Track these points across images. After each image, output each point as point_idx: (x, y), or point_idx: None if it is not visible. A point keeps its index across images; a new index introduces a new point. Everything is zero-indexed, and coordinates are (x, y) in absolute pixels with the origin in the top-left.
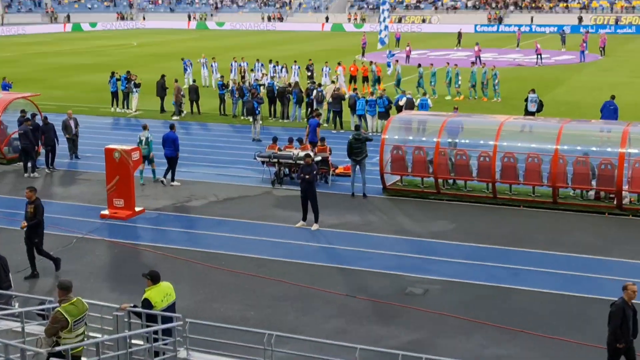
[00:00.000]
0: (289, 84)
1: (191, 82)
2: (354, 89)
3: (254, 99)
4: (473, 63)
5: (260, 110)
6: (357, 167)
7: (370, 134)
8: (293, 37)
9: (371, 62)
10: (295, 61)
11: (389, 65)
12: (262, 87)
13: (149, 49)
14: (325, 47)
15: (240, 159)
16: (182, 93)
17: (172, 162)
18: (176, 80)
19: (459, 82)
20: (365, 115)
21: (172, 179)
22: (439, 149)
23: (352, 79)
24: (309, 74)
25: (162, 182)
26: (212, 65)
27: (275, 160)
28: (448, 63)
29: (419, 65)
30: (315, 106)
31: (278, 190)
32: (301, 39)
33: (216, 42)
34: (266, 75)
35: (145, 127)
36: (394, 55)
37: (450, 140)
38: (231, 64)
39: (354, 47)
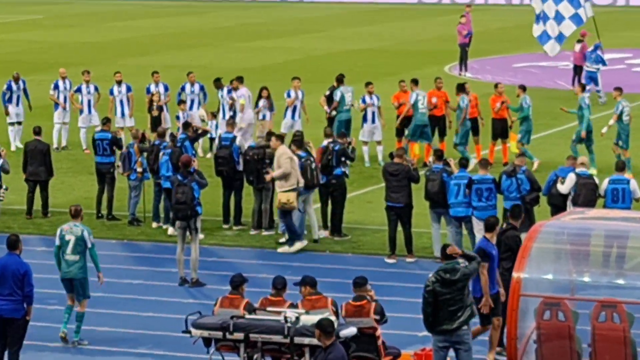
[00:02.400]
0: (274, 137)
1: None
2: (438, 157)
3: (185, 174)
4: None
5: (202, 208)
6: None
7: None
8: (278, 18)
9: (461, 89)
10: (298, 80)
11: (592, 80)
12: (202, 150)
13: None
14: (365, 44)
15: None
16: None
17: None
18: None
19: None
20: (471, 221)
21: None
22: None
23: (437, 123)
24: (329, 111)
25: None
26: (79, 89)
27: (242, 335)
28: None
29: (620, 93)
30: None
31: None
32: (312, 22)
33: (73, 32)
34: (211, 118)
35: None
36: (598, 56)
37: None
38: (114, 91)
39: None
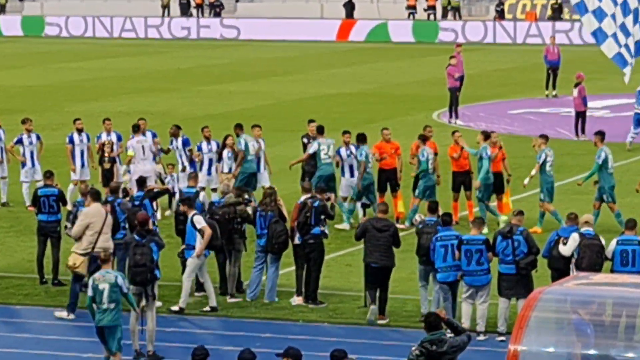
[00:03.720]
0: (242, 195)
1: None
2: (432, 210)
3: (143, 233)
4: None
5: (160, 272)
6: None
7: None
8: (246, 58)
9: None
10: (258, 128)
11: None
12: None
13: None
14: (343, 88)
15: None
16: None
17: None
18: None
19: None
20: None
21: None
22: None
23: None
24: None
25: None
26: (19, 139)
27: None
28: None
29: (600, 138)
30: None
31: None
32: (283, 63)
33: (15, 74)
34: (171, 171)
35: None
36: None
37: None
38: (74, 139)
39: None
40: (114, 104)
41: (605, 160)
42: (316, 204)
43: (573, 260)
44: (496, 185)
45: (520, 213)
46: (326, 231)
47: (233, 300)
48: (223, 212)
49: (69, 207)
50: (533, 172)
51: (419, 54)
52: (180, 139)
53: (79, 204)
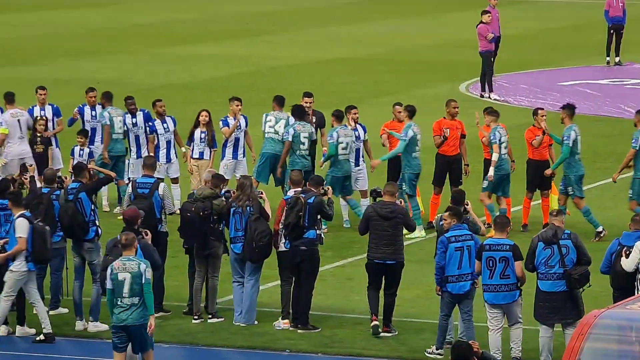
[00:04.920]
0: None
1: None
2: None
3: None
4: None
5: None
6: None
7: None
8: (217, 12)
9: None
10: (238, 101)
11: None
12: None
13: None
14: (344, 52)
15: None
16: None
17: None
18: None
19: None
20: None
21: None
22: None
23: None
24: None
25: None
26: None
27: None
28: None
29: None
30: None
31: None
32: (267, 19)
33: None
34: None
35: None
36: None
37: None
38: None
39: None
40: (49, 69)
41: (575, 142)
42: (311, 200)
43: (639, 276)
44: (535, 178)
45: (560, 212)
46: (322, 235)
47: (215, 320)
48: (196, 208)
49: None
50: (494, 156)
51: (441, 8)
52: (141, 114)
53: None
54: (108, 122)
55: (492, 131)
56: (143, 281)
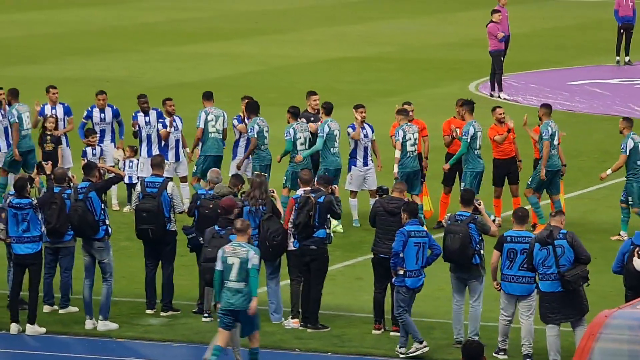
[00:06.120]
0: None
1: None
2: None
3: (224, 224)
4: None
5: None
6: None
7: None
8: (226, 11)
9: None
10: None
11: None
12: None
13: None
14: (352, 51)
15: None
16: None
17: None
18: None
19: None
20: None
21: None
22: None
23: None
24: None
25: None
26: None
27: None
28: None
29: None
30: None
31: None
32: (275, 18)
33: None
34: (131, 155)
35: None
36: None
37: None
38: None
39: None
40: (58, 67)
41: (474, 139)
42: (321, 199)
43: None
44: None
45: (560, 213)
46: (331, 235)
47: (207, 319)
48: (215, 205)
49: None
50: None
51: (451, 7)
52: (154, 113)
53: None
54: (17, 120)
55: (543, 126)
56: (249, 266)
